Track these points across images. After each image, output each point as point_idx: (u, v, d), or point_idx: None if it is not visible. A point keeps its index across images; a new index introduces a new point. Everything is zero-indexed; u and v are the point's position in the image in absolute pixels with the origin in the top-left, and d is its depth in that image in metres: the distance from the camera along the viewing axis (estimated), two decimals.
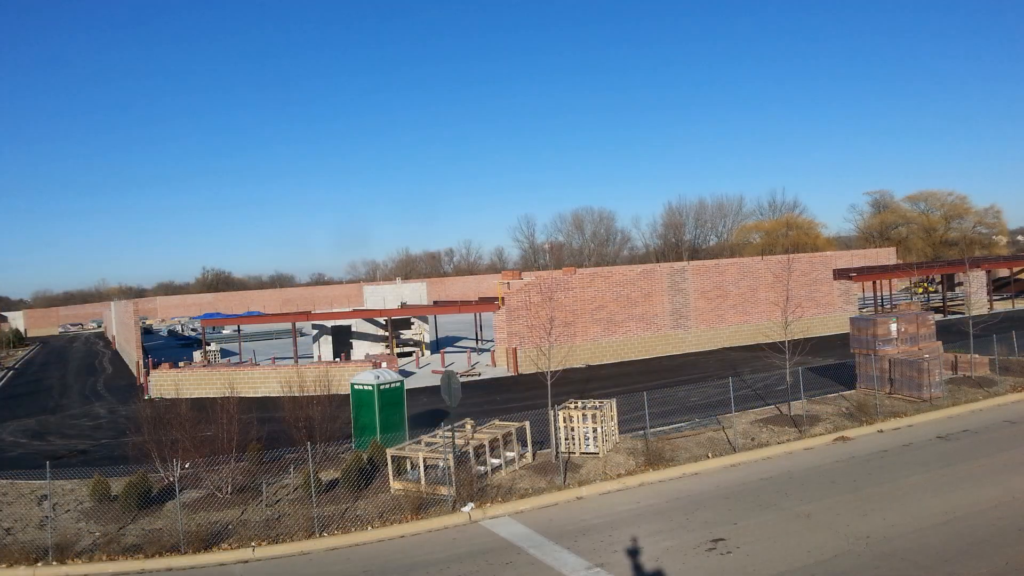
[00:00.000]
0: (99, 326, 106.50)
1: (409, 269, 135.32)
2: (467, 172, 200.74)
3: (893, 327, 25.02)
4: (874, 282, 54.18)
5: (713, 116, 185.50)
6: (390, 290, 52.84)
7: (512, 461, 18.98)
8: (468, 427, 19.74)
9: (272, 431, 21.67)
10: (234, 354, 52.93)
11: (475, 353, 45.64)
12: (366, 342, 44.63)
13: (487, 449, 18.62)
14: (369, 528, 15.54)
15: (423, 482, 17.31)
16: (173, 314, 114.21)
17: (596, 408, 20.08)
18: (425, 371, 38.90)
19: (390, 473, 18.07)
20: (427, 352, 47.25)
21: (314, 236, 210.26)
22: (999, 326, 30.99)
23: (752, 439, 20.47)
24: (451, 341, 55.75)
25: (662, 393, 25.28)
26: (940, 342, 26.07)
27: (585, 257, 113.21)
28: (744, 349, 39.50)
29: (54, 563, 14.61)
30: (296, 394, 22.26)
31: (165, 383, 35.71)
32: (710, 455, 19.26)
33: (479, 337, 52.67)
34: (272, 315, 62.07)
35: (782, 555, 12.71)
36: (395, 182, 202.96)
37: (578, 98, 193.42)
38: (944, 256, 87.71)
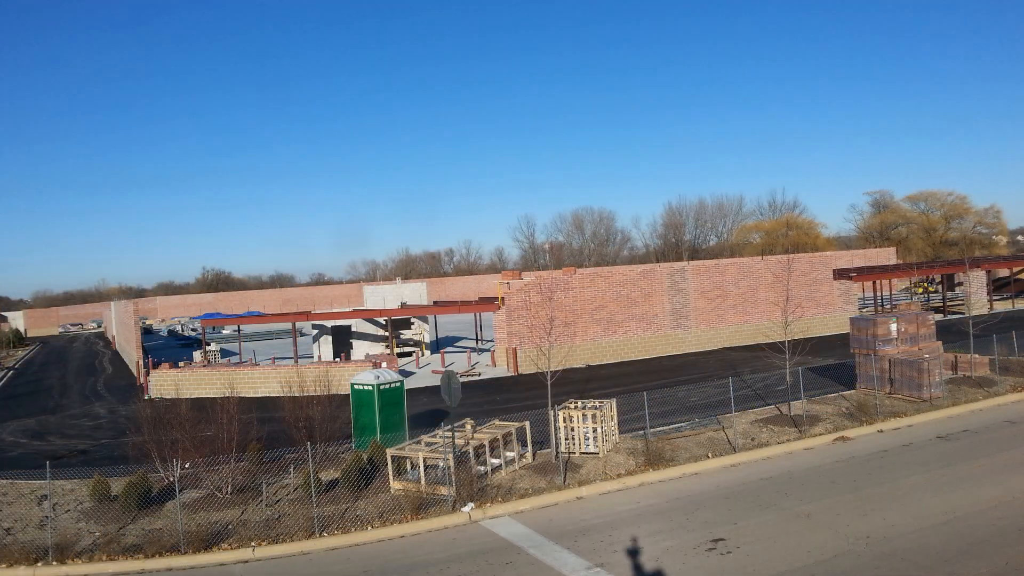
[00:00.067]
0: (99, 326, 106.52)
1: (409, 269, 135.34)
2: (467, 172, 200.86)
3: (893, 327, 25.02)
4: (874, 282, 54.18)
5: (713, 116, 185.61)
6: (390, 290, 52.84)
7: (512, 461, 18.98)
8: (468, 427, 19.74)
9: (272, 431, 21.67)
10: (234, 354, 52.93)
11: (475, 353, 45.64)
12: (366, 342, 44.64)
13: (487, 449, 18.62)
14: (369, 528, 15.54)
15: (423, 482, 17.31)
16: (173, 314, 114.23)
17: (596, 408, 20.08)
18: (425, 371, 38.90)
19: (390, 473, 18.07)
20: (427, 352, 47.25)
21: (314, 236, 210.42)
22: (999, 326, 30.99)
23: (752, 439, 20.47)
24: (451, 341, 55.75)
25: (662, 393, 25.29)
26: (940, 342, 26.07)
27: (585, 257, 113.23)
28: (744, 349, 39.50)
29: (54, 563, 14.61)
30: (296, 394, 22.26)
31: (165, 383, 35.72)
32: (710, 455, 19.26)
33: (479, 337, 52.67)
34: (272, 315, 62.09)
35: (782, 555, 12.71)
36: (395, 182, 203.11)
37: (578, 98, 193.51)
38: (944, 256, 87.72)
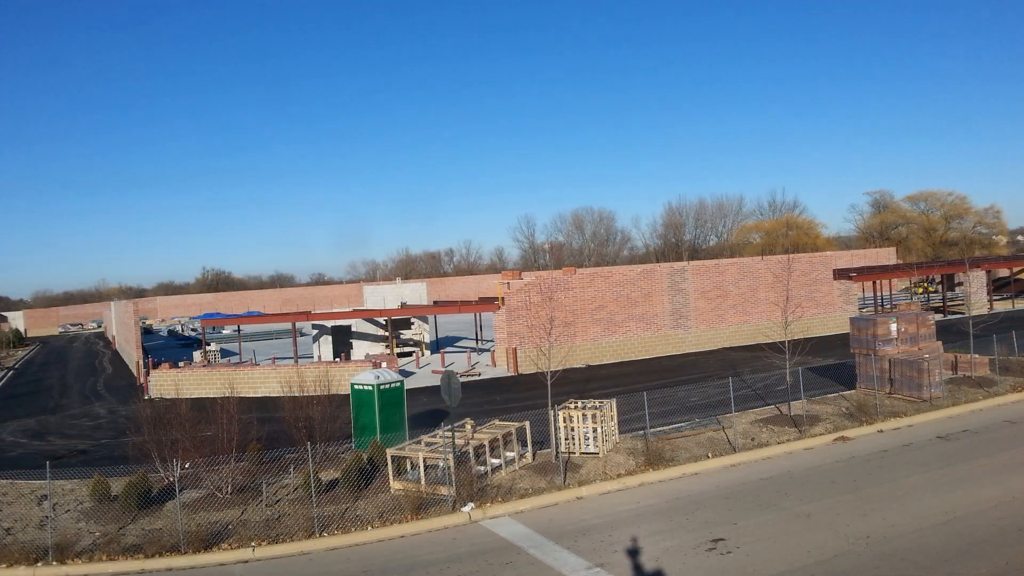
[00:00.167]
0: (99, 326, 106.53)
1: (409, 269, 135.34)
2: (467, 172, 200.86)
3: (893, 327, 25.03)
4: (874, 282, 54.19)
5: (713, 116, 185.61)
6: (390, 290, 52.85)
7: (512, 461, 18.98)
8: (468, 427, 19.74)
9: (272, 431, 21.67)
10: (234, 354, 52.94)
11: (475, 353, 45.65)
12: (366, 342, 44.64)
13: (487, 449, 18.62)
14: (369, 528, 15.54)
15: (423, 482, 17.31)
16: (173, 314, 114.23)
17: (596, 408, 20.08)
18: (425, 371, 38.90)
19: (390, 473, 18.07)
20: (427, 352, 47.25)
21: (314, 236, 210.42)
22: (999, 326, 30.99)
23: (752, 439, 20.47)
24: (451, 341, 55.75)
25: (662, 393, 25.29)
26: (940, 342, 26.07)
27: (585, 257, 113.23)
28: (744, 349, 39.50)
29: (54, 563, 14.61)
30: (296, 394, 22.27)
31: (165, 383, 35.72)
32: (710, 455, 19.26)
33: (479, 337, 52.67)
34: (272, 315, 62.10)
35: (782, 555, 12.71)
36: (395, 182, 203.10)
37: (578, 98, 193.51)
38: (944, 256, 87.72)
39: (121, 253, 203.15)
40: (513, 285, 37.74)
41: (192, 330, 76.52)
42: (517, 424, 19.65)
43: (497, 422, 20.33)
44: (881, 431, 21.02)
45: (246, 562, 14.52)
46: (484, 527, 15.48)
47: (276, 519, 16.35)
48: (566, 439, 19.67)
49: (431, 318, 50.47)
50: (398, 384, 21.62)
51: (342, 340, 45.24)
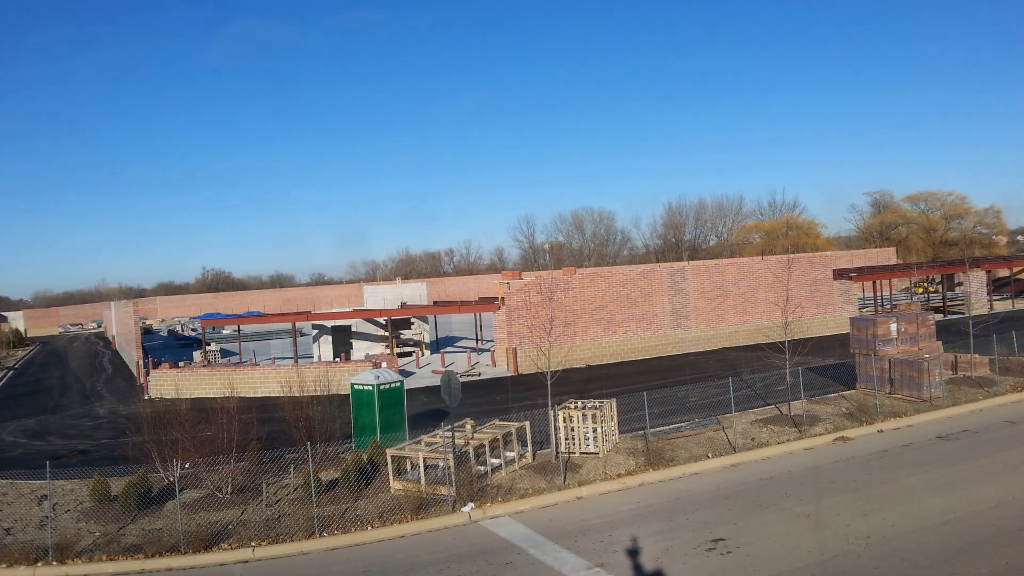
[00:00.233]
0: (99, 326, 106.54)
1: (409, 269, 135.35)
2: (467, 172, 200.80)
3: (893, 327, 25.03)
4: (874, 282, 54.20)
5: (713, 116, 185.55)
6: (390, 290, 52.87)
7: (512, 461, 18.98)
8: (468, 427, 19.75)
9: (272, 431, 21.67)
10: (234, 354, 52.94)
11: (475, 353, 45.65)
12: (366, 342, 44.64)
13: (487, 449, 18.63)
14: (369, 528, 15.54)
15: (423, 482, 17.31)
16: (173, 314, 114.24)
17: (596, 408, 20.09)
18: (425, 371, 38.91)
19: (390, 473, 18.08)
20: (427, 352, 47.26)
21: (314, 236, 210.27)
22: (999, 326, 30.98)
23: (752, 439, 20.47)
24: (451, 341, 55.75)
25: (662, 393, 25.29)
26: (940, 342, 26.08)
27: (585, 257, 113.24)
28: (744, 349, 39.48)
29: (54, 563, 14.61)
30: (296, 394, 22.28)
31: (165, 383, 35.72)
32: (710, 455, 19.27)
33: (479, 337, 52.67)
34: (272, 315, 62.10)
35: (782, 555, 12.71)
36: (395, 182, 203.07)
37: (578, 98, 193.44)
38: (944, 256, 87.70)
39: (121, 253, 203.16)
40: (513, 285, 37.74)
41: (192, 330, 76.56)
42: (517, 424, 19.66)
43: (497, 422, 20.33)
44: (881, 431, 21.02)
45: (246, 562, 14.52)
46: (484, 527, 15.48)
47: (276, 519, 16.35)
48: (566, 439, 19.68)
49: (431, 318, 50.47)
50: (398, 384, 21.63)
51: (342, 340, 45.24)
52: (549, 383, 19.69)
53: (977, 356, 27.16)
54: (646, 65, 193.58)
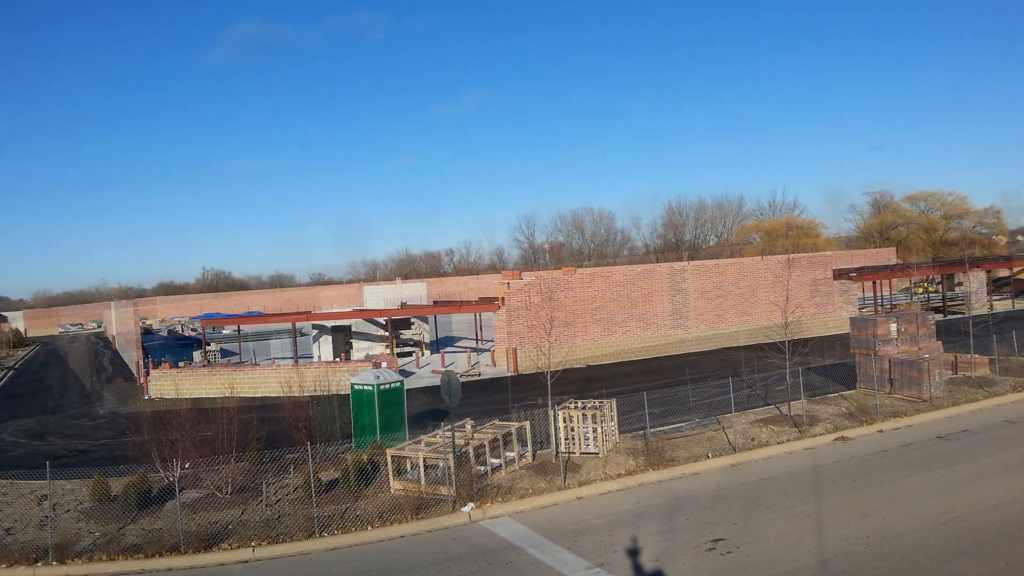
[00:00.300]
0: (99, 326, 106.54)
1: (409, 269, 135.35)
2: (467, 172, 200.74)
3: (893, 327, 25.03)
4: (874, 282, 54.21)
5: (713, 116, 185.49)
6: (390, 290, 52.88)
7: (512, 461, 18.98)
8: (468, 427, 19.75)
9: (272, 431, 21.67)
10: (234, 354, 52.94)
11: (475, 353, 45.65)
12: (366, 342, 44.65)
13: (487, 449, 18.63)
14: (369, 528, 15.54)
15: (423, 482, 17.31)
16: (173, 314, 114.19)
17: (596, 408, 20.09)
18: (425, 371, 38.91)
19: (390, 473, 18.08)
20: (427, 352, 47.26)
21: (314, 236, 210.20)
22: (999, 326, 30.99)
23: (752, 439, 20.47)
24: (451, 341, 55.74)
25: (662, 393, 25.27)
26: (940, 342, 26.09)
27: (585, 257, 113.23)
28: (744, 349, 39.45)
29: (54, 563, 14.61)
30: (296, 394, 22.28)
31: (165, 383, 35.72)
32: (710, 455, 19.27)
33: (479, 337, 52.67)
34: (272, 315, 62.07)
35: (782, 555, 12.71)
36: (395, 182, 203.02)
37: (578, 98, 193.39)
38: (944, 256, 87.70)
39: (121, 253, 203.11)
40: (513, 285, 37.75)
41: (192, 330, 76.56)
42: (517, 424, 19.66)
43: (497, 422, 20.33)
44: (881, 431, 21.03)
45: (246, 562, 14.52)
46: (484, 527, 15.48)
47: (276, 519, 16.35)
48: (566, 439, 19.68)
49: (431, 318, 50.48)
50: (398, 384, 21.64)
51: (342, 340, 45.24)
52: (549, 383, 19.69)
53: (977, 356, 27.16)
54: (646, 65, 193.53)
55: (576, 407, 20.08)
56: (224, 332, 69.66)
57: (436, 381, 30.93)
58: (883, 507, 14.69)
